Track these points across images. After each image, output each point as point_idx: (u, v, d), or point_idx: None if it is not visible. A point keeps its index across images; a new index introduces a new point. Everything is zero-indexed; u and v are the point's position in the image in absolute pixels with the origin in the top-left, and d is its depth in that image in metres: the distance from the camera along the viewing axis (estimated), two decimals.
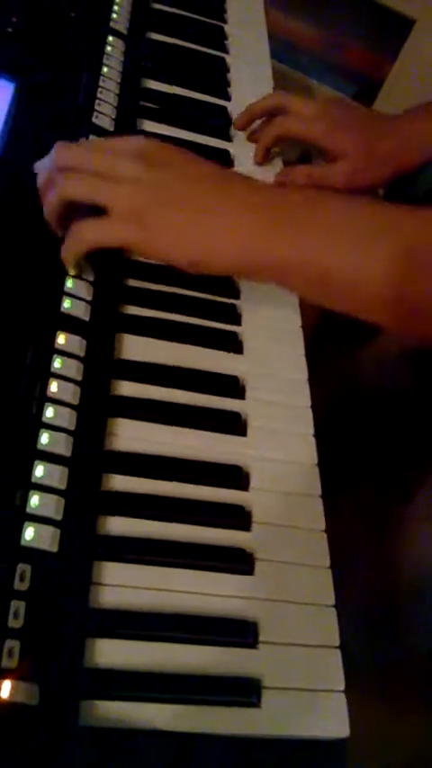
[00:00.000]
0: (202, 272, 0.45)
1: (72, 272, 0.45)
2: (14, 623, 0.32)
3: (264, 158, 0.65)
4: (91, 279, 0.47)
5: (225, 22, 0.79)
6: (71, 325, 0.43)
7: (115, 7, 0.69)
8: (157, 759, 0.33)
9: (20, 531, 0.35)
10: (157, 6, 0.75)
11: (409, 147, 0.61)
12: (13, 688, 0.31)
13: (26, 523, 0.35)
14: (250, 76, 0.74)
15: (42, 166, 0.46)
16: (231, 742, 0.35)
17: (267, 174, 0.64)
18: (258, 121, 0.66)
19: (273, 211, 0.45)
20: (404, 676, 0.57)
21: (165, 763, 0.33)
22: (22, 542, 0.34)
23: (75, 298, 0.45)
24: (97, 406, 0.41)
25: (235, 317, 0.51)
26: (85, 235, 0.44)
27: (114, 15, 0.69)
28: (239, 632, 0.37)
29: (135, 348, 0.46)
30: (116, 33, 0.67)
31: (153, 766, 0.33)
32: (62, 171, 0.44)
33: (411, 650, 0.66)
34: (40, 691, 0.31)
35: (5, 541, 0.34)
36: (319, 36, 1.45)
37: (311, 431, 0.47)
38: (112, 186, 0.44)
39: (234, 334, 0.50)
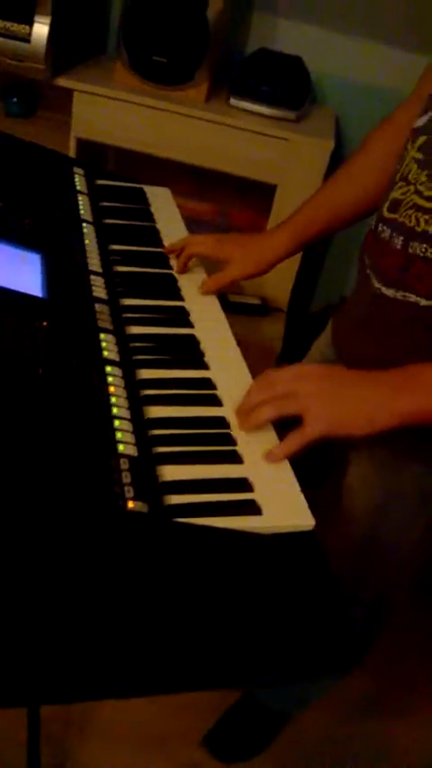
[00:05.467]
0: (371, 433, 0.72)
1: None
2: (127, 479, 0.63)
3: (182, 270, 1.03)
4: None
5: (150, 205, 1.21)
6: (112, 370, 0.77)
7: (81, 207, 1.10)
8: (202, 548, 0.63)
9: (117, 446, 0.66)
10: (104, 204, 1.16)
11: (273, 247, 1.01)
12: (134, 504, 0.61)
13: (119, 444, 0.66)
14: (172, 237, 1.14)
15: (254, 396, 0.76)
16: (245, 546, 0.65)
17: (193, 281, 1.02)
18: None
19: (394, 384, 0.73)
20: None
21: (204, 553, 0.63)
22: (119, 451, 0.66)
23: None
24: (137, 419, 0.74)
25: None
26: (296, 438, 0.72)
27: (82, 211, 1.09)
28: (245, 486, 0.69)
29: None
30: (86, 221, 1.07)
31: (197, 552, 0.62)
32: (268, 397, 0.74)
33: None
34: (148, 506, 0.61)
35: (109, 451, 0.65)
36: (211, 209, 1.94)
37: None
38: (304, 402, 0.72)
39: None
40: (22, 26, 1.55)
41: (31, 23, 1.55)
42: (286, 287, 1.94)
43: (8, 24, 1.55)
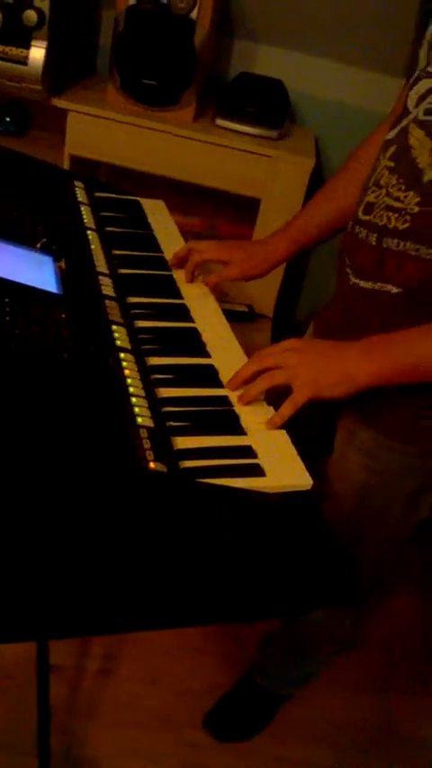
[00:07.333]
0: (350, 393, 0.83)
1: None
2: (147, 445, 0.71)
3: (190, 279, 1.12)
4: None
5: (146, 215, 1.31)
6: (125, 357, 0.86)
7: (84, 216, 1.19)
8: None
9: (135, 418, 0.74)
10: (104, 214, 1.25)
11: (273, 251, 1.10)
12: (155, 465, 0.69)
13: (137, 417, 0.75)
14: (169, 243, 1.23)
15: (247, 367, 0.87)
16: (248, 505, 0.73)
17: (197, 282, 1.11)
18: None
19: (365, 349, 0.84)
20: None
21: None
22: (138, 423, 0.74)
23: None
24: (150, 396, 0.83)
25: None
26: (289, 404, 0.82)
27: (85, 220, 1.18)
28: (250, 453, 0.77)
29: None
30: (90, 229, 1.15)
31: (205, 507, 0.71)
32: (260, 369, 0.86)
33: None
34: (167, 467, 0.70)
35: (129, 422, 0.74)
36: (199, 222, 2.04)
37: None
38: (292, 372, 0.83)
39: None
40: (20, 50, 1.65)
41: (28, 47, 1.65)
42: (271, 294, 2.04)
43: (7, 48, 1.64)
